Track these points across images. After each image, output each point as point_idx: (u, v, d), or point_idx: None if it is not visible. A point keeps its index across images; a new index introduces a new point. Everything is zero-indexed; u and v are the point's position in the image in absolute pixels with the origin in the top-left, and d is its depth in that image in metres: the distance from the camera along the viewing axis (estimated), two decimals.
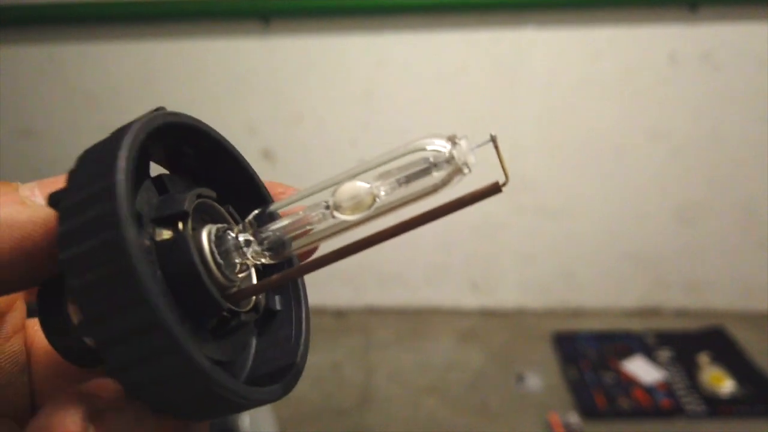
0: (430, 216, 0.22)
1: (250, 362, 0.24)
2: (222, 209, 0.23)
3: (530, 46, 1.51)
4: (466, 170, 0.22)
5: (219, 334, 0.21)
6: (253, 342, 0.24)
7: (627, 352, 1.50)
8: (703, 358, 1.45)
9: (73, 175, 0.20)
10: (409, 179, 0.22)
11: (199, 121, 0.23)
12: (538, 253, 1.69)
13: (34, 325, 0.24)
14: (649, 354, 1.49)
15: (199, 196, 0.22)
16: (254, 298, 0.23)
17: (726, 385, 1.37)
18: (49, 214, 0.20)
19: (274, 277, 0.22)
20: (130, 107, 1.61)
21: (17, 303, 0.24)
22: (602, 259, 1.68)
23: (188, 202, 0.20)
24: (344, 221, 0.22)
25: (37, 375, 0.24)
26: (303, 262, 0.23)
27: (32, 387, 0.24)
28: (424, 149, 0.21)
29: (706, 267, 1.67)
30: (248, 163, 0.25)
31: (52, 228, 0.19)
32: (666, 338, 1.55)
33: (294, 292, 0.25)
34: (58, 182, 0.21)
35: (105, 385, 0.18)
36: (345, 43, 1.53)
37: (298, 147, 1.63)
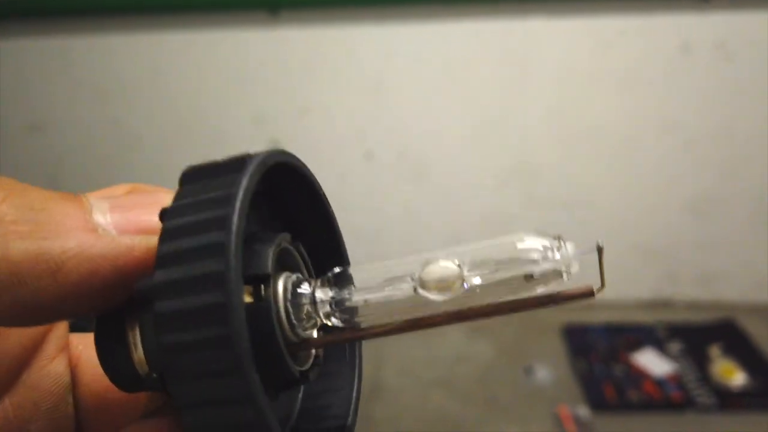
0: (516, 306, 0.20)
1: (296, 414, 0.23)
2: (296, 254, 0.22)
3: (540, 37, 1.49)
4: (565, 277, 0.20)
5: (279, 389, 0.20)
6: (300, 394, 0.23)
7: (637, 345, 1.49)
8: (714, 351, 1.44)
9: (181, 206, 0.18)
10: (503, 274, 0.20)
11: (304, 165, 0.22)
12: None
13: (78, 344, 0.23)
14: (660, 346, 1.49)
15: (278, 245, 0.21)
16: (314, 351, 0.22)
17: (737, 378, 1.36)
18: (122, 248, 0.18)
19: (344, 335, 0.21)
20: (139, 100, 1.62)
21: (60, 322, 0.23)
22: (613, 251, 1.65)
23: (272, 262, 0.19)
24: (426, 298, 0.21)
25: (82, 396, 0.23)
26: (375, 328, 0.21)
27: (77, 408, 0.23)
28: (526, 249, 0.20)
29: (718, 259, 1.65)
30: (335, 216, 0.24)
31: (123, 264, 0.18)
32: (677, 331, 1.54)
33: (350, 349, 0.24)
34: (134, 205, 0.19)
35: None
36: (353, 34, 1.52)
37: (306, 138, 1.63)
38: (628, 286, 1.70)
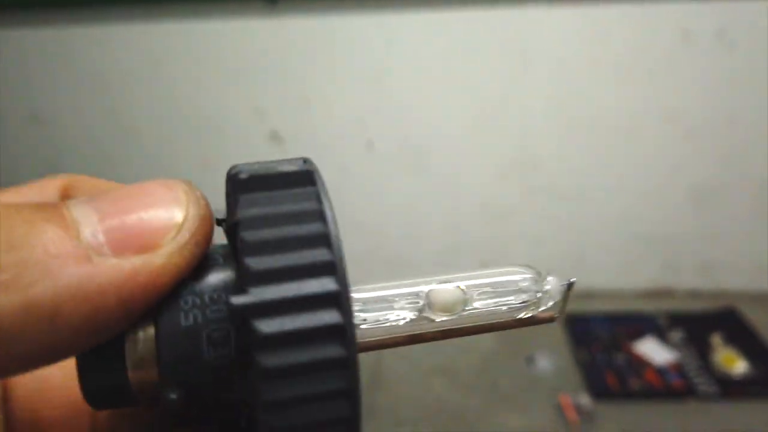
0: (494, 327, 0.23)
1: None
2: None
3: (541, 26, 1.48)
4: (544, 307, 0.23)
5: None
6: None
7: (638, 334, 1.49)
8: (716, 339, 1.44)
9: (260, 218, 0.16)
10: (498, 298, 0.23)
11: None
12: (548, 235, 1.68)
13: None
14: (661, 335, 1.49)
15: None
16: None
17: (738, 366, 1.36)
18: (124, 276, 0.15)
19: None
20: (138, 91, 1.62)
21: None
22: (614, 240, 1.67)
23: None
24: (430, 318, 0.22)
25: (15, 413, 0.21)
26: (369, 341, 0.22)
27: (10, 429, 0.20)
28: (518, 281, 0.23)
29: (719, 248, 1.65)
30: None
31: (128, 295, 0.15)
32: (678, 319, 1.54)
33: None
34: (124, 209, 0.16)
35: None
36: (353, 23, 1.51)
37: (307, 129, 1.62)
38: (629, 275, 1.70)
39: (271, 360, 0.14)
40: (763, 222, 1.60)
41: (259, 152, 1.61)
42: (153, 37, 1.56)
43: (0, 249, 0.14)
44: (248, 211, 0.16)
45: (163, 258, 0.15)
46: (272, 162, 0.17)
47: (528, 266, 0.23)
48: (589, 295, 1.69)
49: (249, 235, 0.15)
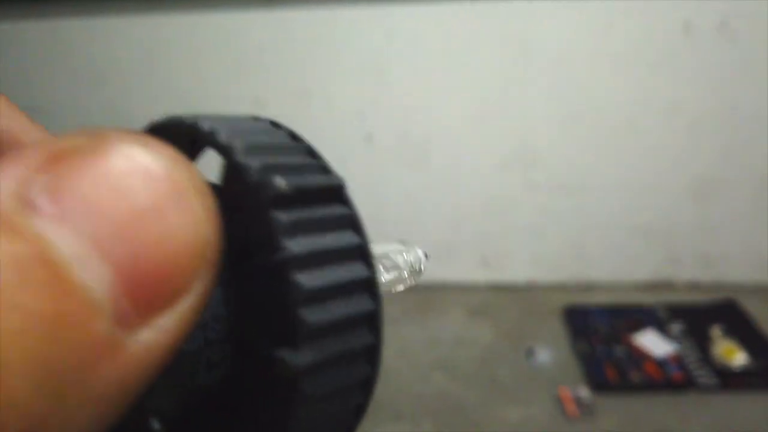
0: None
1: None
2: None
3: (541, 18, 1.48)
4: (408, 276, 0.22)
5: None
6: None
7: (638, 326, 1.49)
8: (716, 331, 1.44)
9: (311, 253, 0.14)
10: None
11: None
12: (549, 228, 1.68)
13: None
14: (661, 327, 1.49)
15: None
16: None
17: (738, 358, 1.36)
18: (159, 346, 0.10)
19: None
20: (136, 83, 1.61)
21: None
22: (614, 233, 1.67)
23: None
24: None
25: None
26: None
27: None
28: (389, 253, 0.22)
29: (720, 240, 1.65)
30: None
31: (161, 360, 0.11)
32: (678, 311, 1.54)
33: None
34: (135, 253, 0.10)
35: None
36: (352, 15, 1.51)
37: (306, 122, 1.61)
38: (629, 267, 1.70)
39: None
40: (763, 214, 1.60)
41: None
42: (151, 30, 1.55)
43: (33, 387, 0.09)
44: (299, 243, 0.13)
45: (196, 307, 0.11)
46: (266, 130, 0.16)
47: (403, 240, 0.23)
48: (589, 287, 1.69)
49: (305, 279, 0.13)
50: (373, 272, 0.15)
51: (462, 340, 1.51)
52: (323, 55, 1.55)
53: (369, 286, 0.14)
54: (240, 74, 1.58)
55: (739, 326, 1.47)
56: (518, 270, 1.73)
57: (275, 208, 0.13)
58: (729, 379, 1.32)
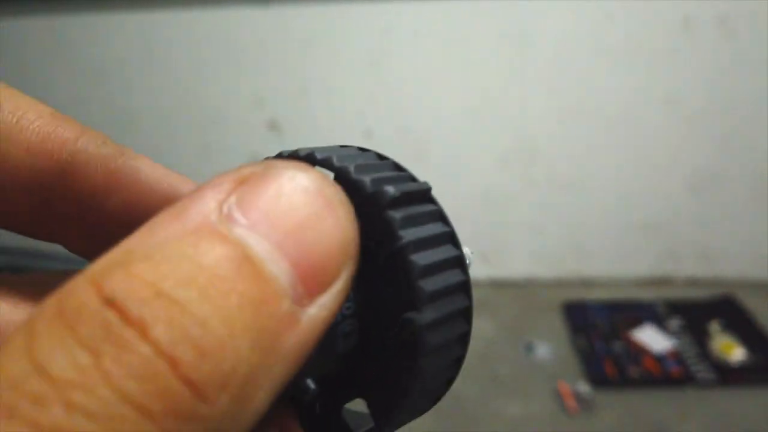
0: None
1: None
2: None
3: (540, 12, 1.48)
4: None
5: None
6: None
7: (637, 322, 1.50)
8: (714, 327, 1.44)
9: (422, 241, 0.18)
10: None
11: None
12: (548, 224, 1.68)
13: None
14: (660, 323, 1.49)
15: None
16: None
17: (736, 354, 1.37)
18: (321, 322, 0.14)
19: None
20: (136, 80, 1.61)
21: None
22: (613, 228, 1.67)
23: None
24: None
25: None
26: None
27: None
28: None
29: (718, 236, 1.65)
30: None
31: (320, 335, 0.14)
32: (676, 307, 1.55)
33: None
34: (301, 242, 0.14)
35: None
36: (352, 11, 1.51)
37: (305, 118, 1.62)
38: (628, 263, 1.70)
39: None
40: (762, 210, 1.60)
41: (258, 141, 1.60)
42: (151, 26, 1.55)
43: (251, 349, 0.12)
44: (410, 233, 0.18)
45: (343, 292, 0.14)
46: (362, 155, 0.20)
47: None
48: (587, 283, 1.70)
49: (419, 258, 0.17)
50: (461, 252, 0.19)
51: None
52: (322, 51, 1.55)
53: (460, 262, 0.19)
54: (240, 70, 1.58)
55: (738, 322, 1.48)
56: (517, 266, 1.73)
57: (390, 209, 0.17)
58: (727, 375, 1.33)
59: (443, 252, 0.18)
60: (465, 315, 0.18)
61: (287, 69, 1.58)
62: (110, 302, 0.11)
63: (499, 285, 1.71)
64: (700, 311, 1.53)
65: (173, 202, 0.13)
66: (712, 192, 1.61)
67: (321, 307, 0.13)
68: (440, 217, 0.19)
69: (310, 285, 0.13)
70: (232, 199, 0.13)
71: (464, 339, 0.19)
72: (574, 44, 1.50)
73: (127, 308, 0.11)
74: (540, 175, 1.63)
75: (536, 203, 1.66)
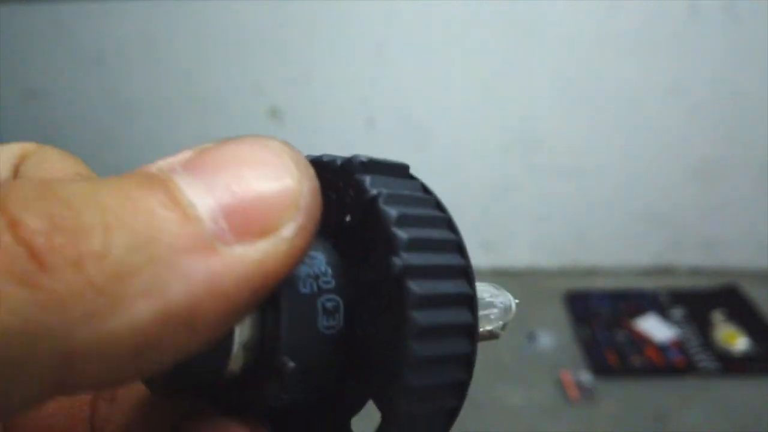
0: None
1: None
2: None
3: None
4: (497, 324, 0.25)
5: None
6: None
7: (640, 311, 1.49)
8: (717, 316, 1.44)
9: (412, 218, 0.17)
10: None
11: None
12: (551, 212, 1.68)
13: None
14: (662, 312, 1.49)
15: None
16: None
17: (739, 343, 1.36)
18: (253, 268, 0.13)
19: None
20: (135, 68, 1.60)
21: None
22: (616, 217, 1.66)
23: None
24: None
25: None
26: None
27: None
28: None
29: (722, 225, 1.65)
30: None
31: (260, 287, 0.13)
32: (679, 297, 1.54)
33: None
34: (233, 184, 0.14)
35: None
36: None
37: (307, 105, 1.61)
38: (631, 252, 1.70)
39: (422, 318, 0.16)
40: (765, 200, 1.59)
41: (259, 129, 1.60)
42: (151, 13, 1.54)
43: (126, 246, 0.12)
44: (381, 188, 0.17)
45: (287, 243, 0.13)
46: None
47: (497, 286, 0.24)
48: (590, 272, 1.69)
49: (391, 210, 0.16)
50: (458, 236, 0.19)
51: None
52: (324, 38, 1.54)
53: (459, 247, 0.19)
54: (241, 58, 1.57)
55: (740, 311, 1.47)
56: (520, 254, 1.72)
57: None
58: (730, 364, 1.32)
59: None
60: (467, 303, 0.18)
61: (288, 56, 1.56)
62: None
63: (502, 274, 1.70)
64: (703, 301, 1.52)
65: None
66: (715, 181, 1.60)
67: (257, 251, 0.13)
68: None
69: (239, 223, 0.13)
70: (182, 157, 0.14)
71: (469, 330, 0.19)
72: (579, 32, 1.49)
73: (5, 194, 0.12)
74: (543, 163, 1.62)
75: (539, 192, 1.65)
